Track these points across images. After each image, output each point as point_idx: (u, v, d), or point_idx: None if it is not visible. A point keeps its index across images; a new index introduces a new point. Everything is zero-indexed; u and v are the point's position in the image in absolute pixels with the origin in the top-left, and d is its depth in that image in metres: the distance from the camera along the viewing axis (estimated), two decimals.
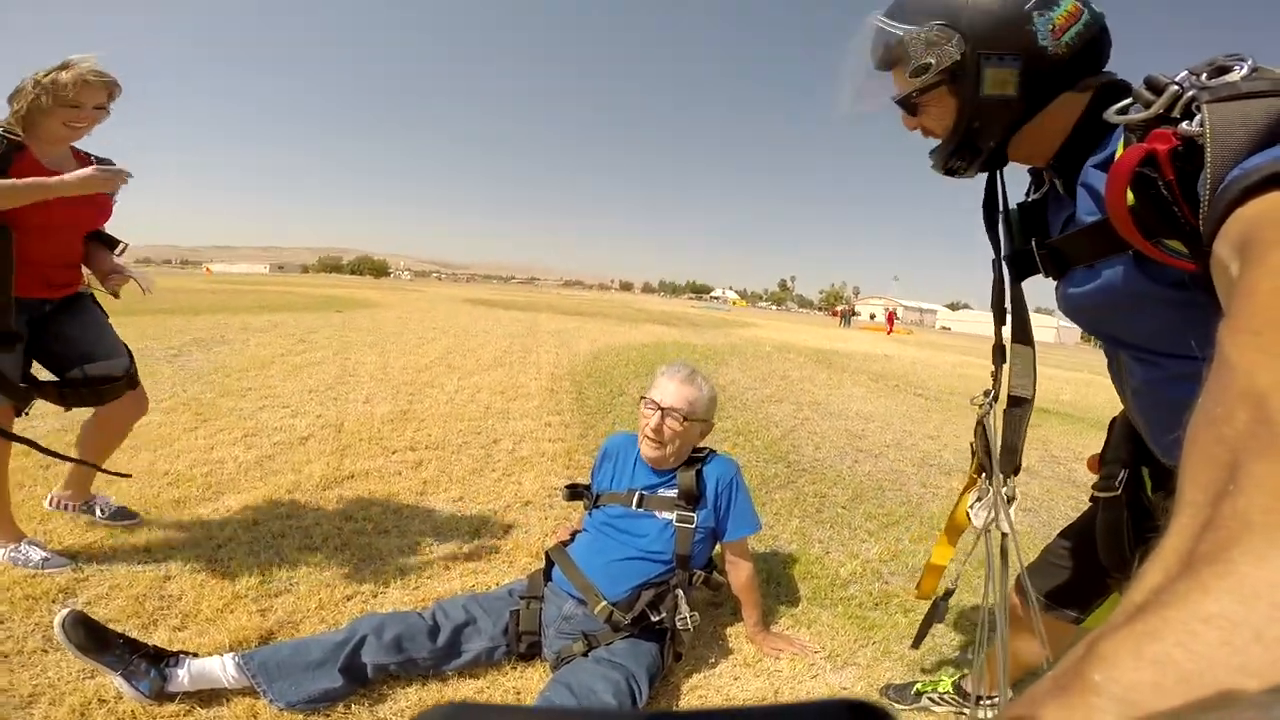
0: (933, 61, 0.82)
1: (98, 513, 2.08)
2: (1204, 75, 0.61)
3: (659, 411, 1.71)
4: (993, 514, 1.11)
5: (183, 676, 1.32)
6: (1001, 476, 1.09)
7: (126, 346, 2.03)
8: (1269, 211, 0.47)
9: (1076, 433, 5.58)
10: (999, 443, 1.09)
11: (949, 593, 1.40)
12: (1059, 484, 3.87)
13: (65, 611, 1.31)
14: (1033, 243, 0.92)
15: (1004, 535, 1.07)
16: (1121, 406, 1.09)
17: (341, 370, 5.11)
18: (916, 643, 1.53)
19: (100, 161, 1.93)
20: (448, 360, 6.07)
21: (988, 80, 0.80)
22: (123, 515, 2.11)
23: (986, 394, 1.16)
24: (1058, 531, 1.36)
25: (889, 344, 17.29)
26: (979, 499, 1.17)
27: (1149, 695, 0.19)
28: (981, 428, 1.16)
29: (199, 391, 3.99)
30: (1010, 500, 1.08)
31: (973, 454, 1.22)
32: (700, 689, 1.60)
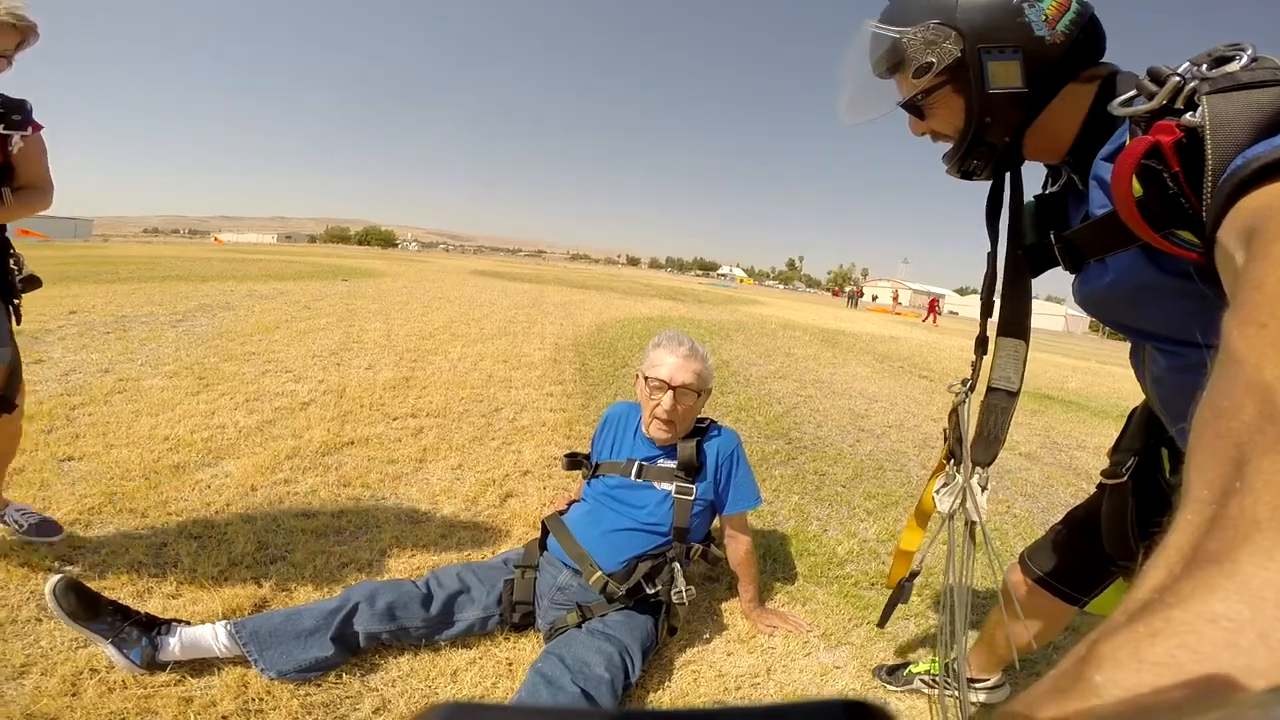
0: (934, 60, 0.82)
1: (12, 524, 1.73)
2: (1204, 66, 0.60)
3: (670, 391, 1.66)
4: (958, 500, 1.13)
5: (174, 645, 1.31)
6: (972, 465, 1.11)
7: (12, 350, 1.62)
8: (1274, 201, 0.46)
9: (1079, 420, 5.55)
10: (971, 433, 1.11)
11: (914, 574, 1.42)
12: (1060, 470, 3.85)
13: (57, 578, 1.29)
14: (1051, 236, 0.91)
15: (972, 523, 1.07)
16: (1143, 396, 1.08)
17: (345, 337, 5.11)
18: (882, 622, 1.55)
19: (7, 105, 1.57)
20: (452, 329, 6.06)
21: (992, 74, 0.80)
22: (44, 530, 1.74)
23: (964, 383, 1.19)
24: (1061, 515, 1.35)
25: (896, 326, 17.17)
26: (945, 484, 1.20)
27: (1150, 697, 0.18)
28: (955, 416, 1.18)
29: (202, 356, 3.99)
30: (982, 489, 1.08)
31: (944, 439, 1.23)
32: (694, 664, 1.60)
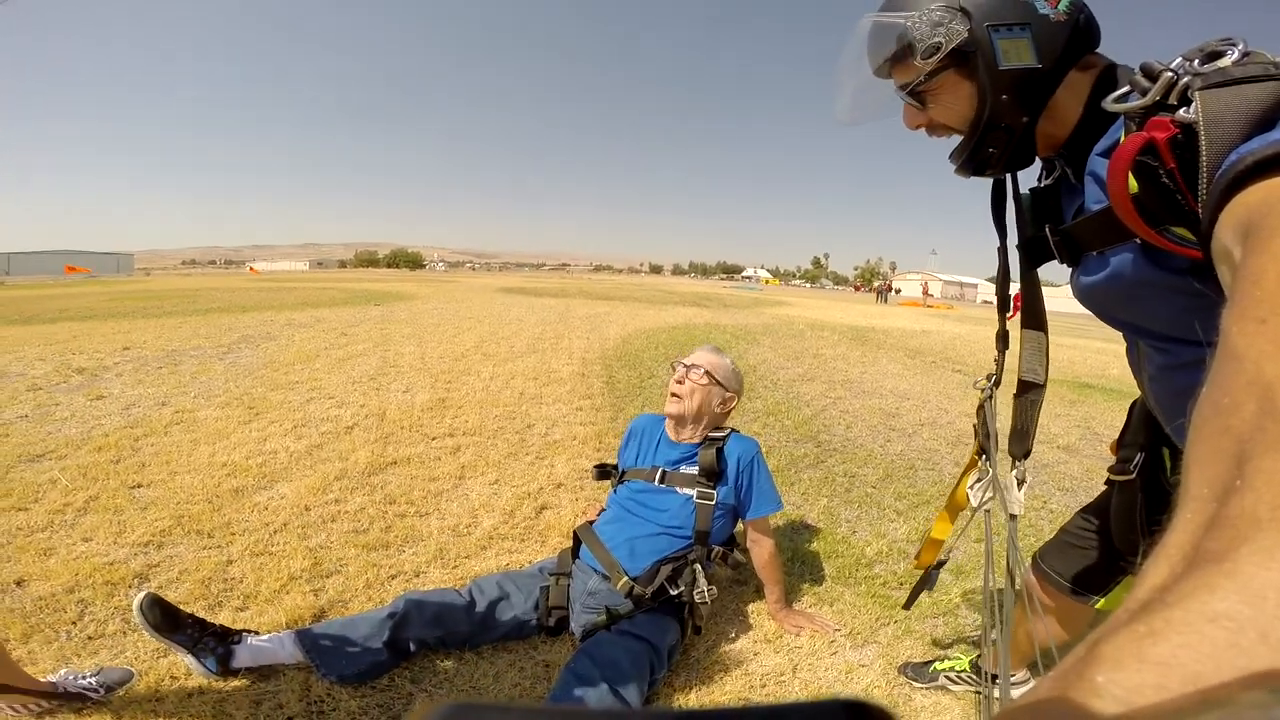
0: (942, 41, 0.81)
1: (83, 689, 1.36)
2: (1196, 61, 0.60)
3: (683, 366, 1.86)
4: (990, 494, 1.14)
5: (245, 653, 1.44)
6: (1011, 459, 1.11)
7: None
8: (1271, 196, 0.46)
9: (1121, 409, 5.30)
10: (996, 427, 1.11)
11: (941, 563, 1.44)
12: (1100, 463, 3.76)
13: (142, 594, 1.42)
14: (1046, 229, 0.92)
15: (1012, 517, 1.09)
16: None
17: (382, 362, 5.30)
18: (908, 605, 1.57)
19: None
20: (483, 349, 6.23)
21: (1003, 51, 0.80)
22: (115, 681, 1.40)
23: (989, 378, 1.19)
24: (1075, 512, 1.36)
25: (928, 319, 16.88)
26: (979, 479, 1.21)
27: (1152, 697, 0.18)
28: (983, 411, 1.18)
29: (250, 386, 4.21)
30: (1020, 483, 1.09)
31: (975, 435, 1.24)
32: (720, 663, 1.66)
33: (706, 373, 1.84)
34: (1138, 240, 0.71)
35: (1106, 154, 0.75)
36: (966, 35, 0.80)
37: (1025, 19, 0.79)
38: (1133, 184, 0.63)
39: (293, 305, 9.96)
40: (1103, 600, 1.25)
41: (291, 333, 6.72)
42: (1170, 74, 0.61)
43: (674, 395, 1.85)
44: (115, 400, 3.74)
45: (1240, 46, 0.59)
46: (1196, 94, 0.57)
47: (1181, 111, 0.58)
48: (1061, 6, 0.79)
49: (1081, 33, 0.80)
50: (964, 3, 0.80)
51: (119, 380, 4.24)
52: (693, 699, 1.51)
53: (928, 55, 0.83)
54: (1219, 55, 0.59)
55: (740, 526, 1.89)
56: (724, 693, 1.54)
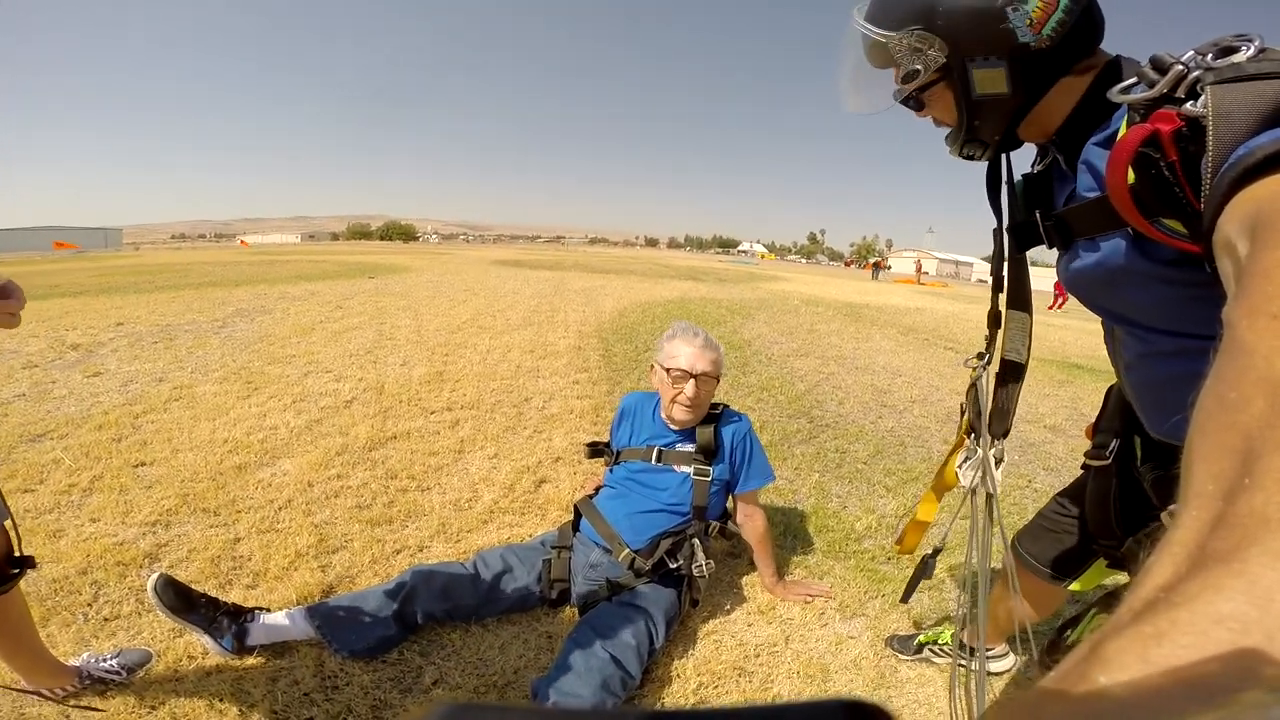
0: (920, 68, 0.83)
1: (105, 672, 1.39)
2: (1209, 56, 0.60)
3: (692, 379, 1.76)
4: (980, 474, 1.17)
5: (259, 631, 1.48)
6: (990, 438, 1.13)
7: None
8: None
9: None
10: (989, 406, 1.13)
11: (937, 550, 1.46)
12: (1086, 444, 3.82)
13: (156, 575, 1.45)
14: (1037, 214, 0.94)
15: (989, 496, 1.13)
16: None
17: (379, 334, 5.31)
18: (905, 597, 1.59)
19: None
20: (479, 321, 6.24)
21: (977, 81, 0.82)
22: (135, 663, 1.43)
23: (980, 357, 1.20)
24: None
25: (922, 297, 16.90)
26: (967, 459, 1.22)
27: (1153, 698, 0.18)
28: (974, 390, 1.20)
29: (247, 360, 4.22)
30: (998, 462, 1.12)
31: (962, 414, 1.26)
32: (716, 634, 1.73)
33: (715, 379, 1.81)
34: (1129, 229, 0.72)
35: (1103, 144, 0.76)
36: (943, 63, 0.82)
37: (1001, 50, 0.78)
38: (1130, 174, 0.63)
39: (286, 278, 9.89)
40: (1076, 583, 1.29)
41: (286, 306, 6.70)
42: (1181, 67, 0.61)
43: (686, 406, 1.79)
44: (112, 377, 3.74)
45: (1256, 43, 0.59)
46: (1207, 88, 0.57)
47: (1188, 105, 0.58)
48: (1046, 30, 0.76)
49: (1072, 46, 0.78)
50: (940, 30, 0.79)
51: (114, 356, 4.23)
52: (690, 668, 1.58)
53: (907, 80, 0.86)
54: (1233, 50, 0.59)
55: (732, 502, 1.94)
56: (720, 662, 1.61)
